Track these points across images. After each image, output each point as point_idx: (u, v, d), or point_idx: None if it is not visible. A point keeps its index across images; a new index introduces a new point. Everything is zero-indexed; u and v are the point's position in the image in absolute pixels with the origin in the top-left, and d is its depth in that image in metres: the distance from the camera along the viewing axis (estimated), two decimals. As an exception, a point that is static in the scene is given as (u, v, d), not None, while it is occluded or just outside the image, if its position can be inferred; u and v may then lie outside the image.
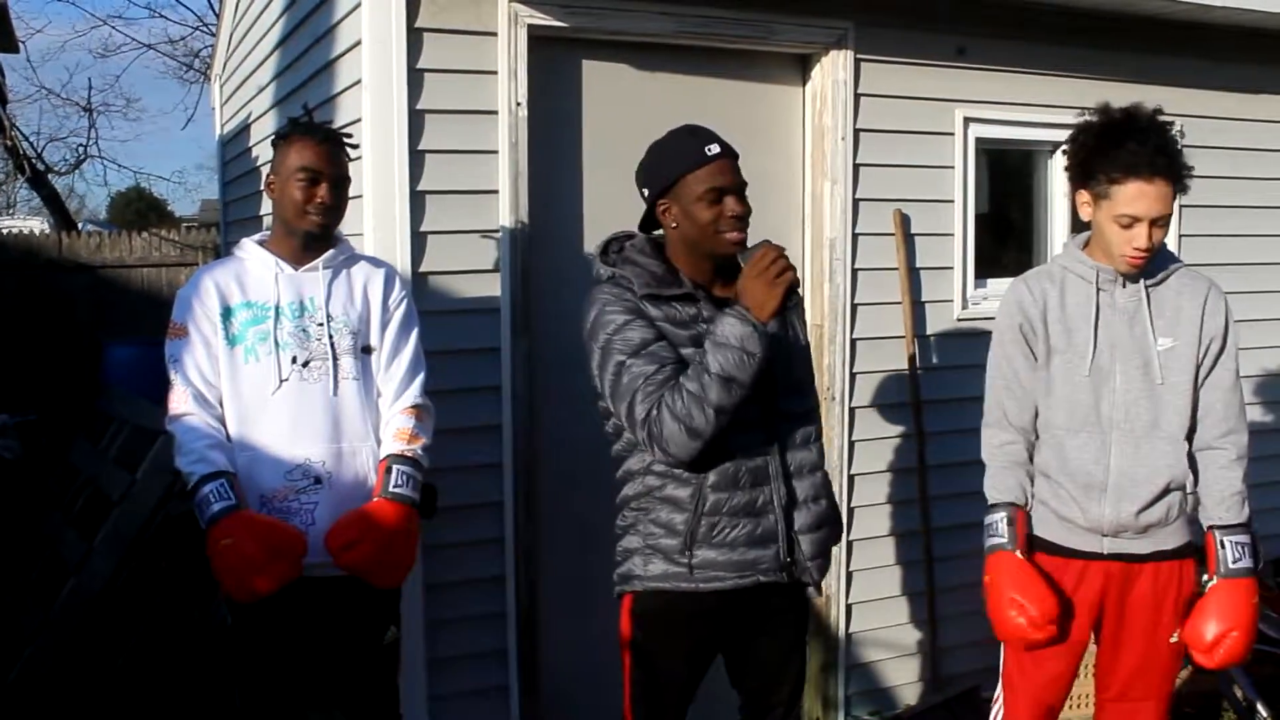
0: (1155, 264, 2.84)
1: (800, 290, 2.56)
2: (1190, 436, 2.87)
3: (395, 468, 2.87)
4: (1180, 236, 4.77)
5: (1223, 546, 2.80)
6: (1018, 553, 2.84)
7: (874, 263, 4.17)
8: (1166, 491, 2.82)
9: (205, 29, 18.06)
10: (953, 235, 4.32)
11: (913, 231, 4.25)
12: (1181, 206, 4.77)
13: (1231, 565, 2.78)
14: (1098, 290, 2.85)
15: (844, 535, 2.98)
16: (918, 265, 4.26)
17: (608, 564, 3.33)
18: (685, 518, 2.66)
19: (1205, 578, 2.84)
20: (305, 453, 2.83)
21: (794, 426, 2.74)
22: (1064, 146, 2.91)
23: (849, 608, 4.24)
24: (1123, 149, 2.70)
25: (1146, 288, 2.84)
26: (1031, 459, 2.97)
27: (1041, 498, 2.94)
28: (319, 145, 2.86)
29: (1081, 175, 2.81)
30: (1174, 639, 2.87)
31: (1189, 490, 2.85)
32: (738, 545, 2.66)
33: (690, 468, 2.62)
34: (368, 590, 2.90)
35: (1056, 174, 4.55)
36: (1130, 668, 2.93)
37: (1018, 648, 2.94)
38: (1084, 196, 2.82)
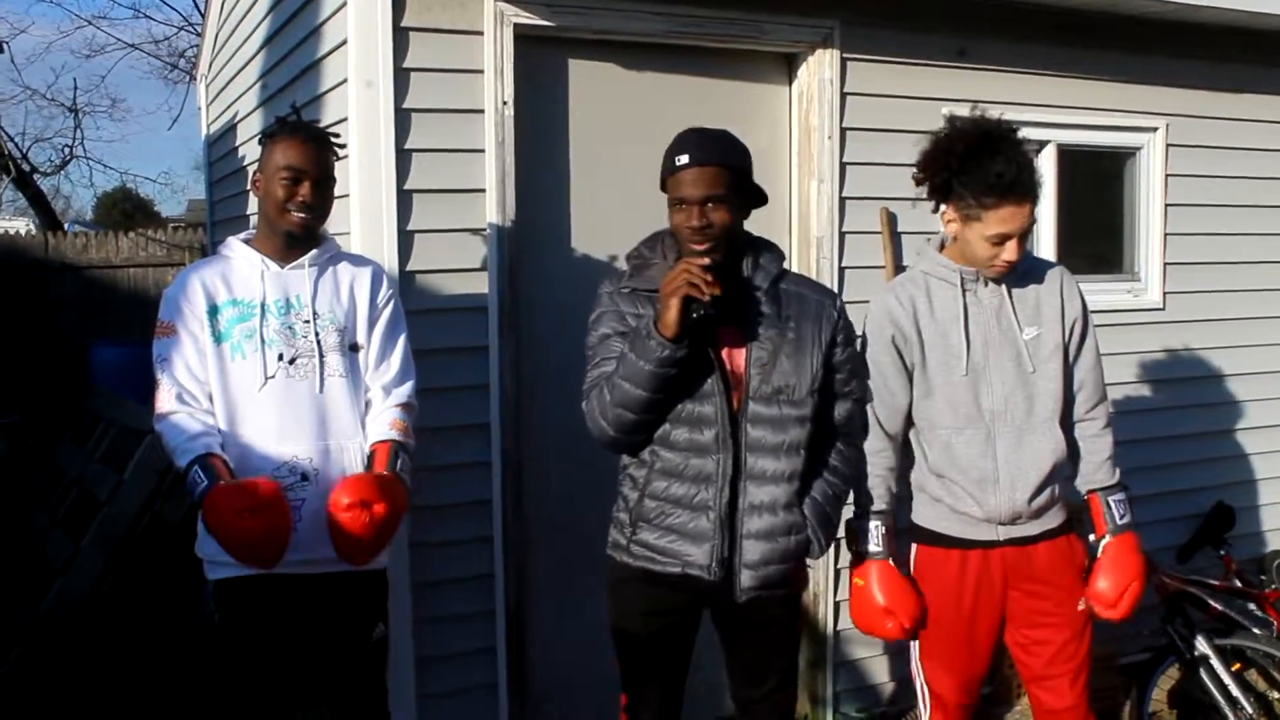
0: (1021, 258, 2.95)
1: (707, 305, 2.52)
2: (1065, 416, 3.01)
3: (400, 454, 2.89)
4: (1166, 235, 4.80)
5: (1108, 507, 3.01)
6: (889, 562, 3.00)
7: (861, 261, 4.19)
8: (1053, 474, 2.97)
9: (190, 29, 18.03)
10: (939, 234, 4.32)
11: (900, 230, 4.26)
12: (1167, 206, 4.81)
13: (1119, 522, 3.00)
14: (963, 291, 2.96)
15: (821, 550, 2.88)
16: (905, 264, 4.26)
17: (596, 562, 3.32)
18: (635, 496, 2.80)
19: (1093, 538, 3.03)
20: (292, 450, 2.83)
21: (765, 432, 2.73)
22: (917, 162, 3.02)
23: (837, 605, 4.25)
24: (989, 172, 2.81)
25: (1006, 283, 2.96)
26: (898, 466, 3.07)
27: (936, 496, 3.03)
28: (304, 144, 2.86)
29: (945, 193, 2.93)
30: (1081, 606, 3.00)
31: (1066, 470, 3.02)
32: (670, 532, 2.76)
33: (629, 453, 2.81)
34: (355, 587, 2.90)
35: (1042, 171, 4.56)
36: (1046, 646, 3.04)
37: (931, 639, 3.08)
38: (950, 214, 2.94)
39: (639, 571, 2.81)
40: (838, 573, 4.22)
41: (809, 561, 2.93)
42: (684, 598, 2.82)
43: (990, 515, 2.95)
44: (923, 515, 3.06)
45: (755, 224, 2.82)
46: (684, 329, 2.55)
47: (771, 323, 2.75)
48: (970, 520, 2.98)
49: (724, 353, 2.73)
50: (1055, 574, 3.00)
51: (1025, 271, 2.98)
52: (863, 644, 4.32)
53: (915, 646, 3.15)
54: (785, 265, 2.87)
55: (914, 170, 3.01)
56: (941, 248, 3.04)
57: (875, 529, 2.98)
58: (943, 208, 2.97)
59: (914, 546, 3.10)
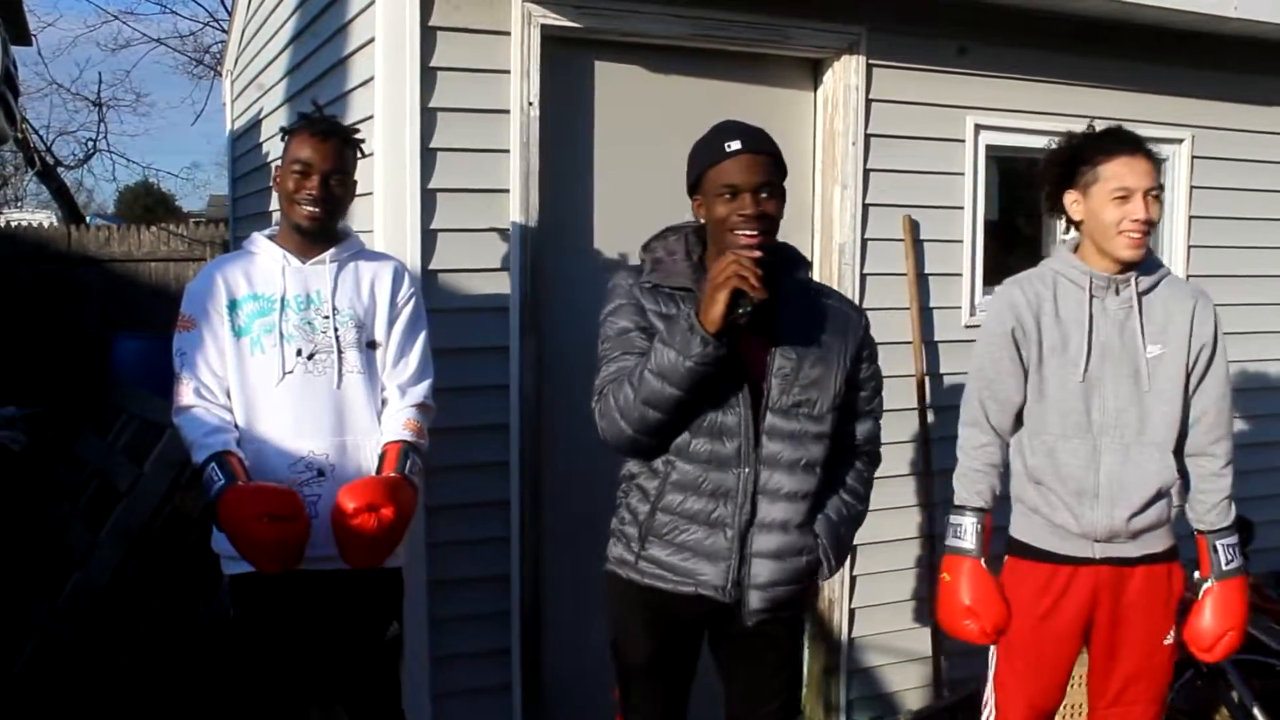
0: (1146, 270, 2.88)
1: (752, 301, 2.38)
2: (1179, 443, 2.90)
3: (410, 455, 2.87)
4: (1190, 248, 4.78)
5: (1215, 550, 2.91)
6: (981, 561, 2.91)
7: (883, 268, 4.18)
8: (1157, 497, 2.87)
9: (215, 24, 18.12)
10: (962, 242, 4.32)
11: (922, 237, 4.25)
12: (1192, 218, 4.79)
13: (1225, 568, 2.90)
14: (1090, 296, 2.87)
15: (831, 572, 2.73)
16: (927, 271, 4.26)
17: (612, 564, 3.32)
18: (646, 509, 2.66)
19: (1198, 576, 2.94)
20: (309, 445, 2.84)
21: (782, 447, 2.60)
22: (1041, 170, 2.99)
23: (852, 612, 4.24)
24: (1104, 138, 2.84)
25: (1139, 294, 2.86)
26: (1004, 463, 3.00)
27: (1032, 505, 2.94)
28: (313, 139, 2.88)
29: (1066, 179, 2.89)
30: (1168, 640, 2.92)
31: (1175, 496, 2.91)
32: (684, 549, 2.62)
33: (643, 457, 2.65)
34: (370, 585, 2.91)
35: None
36: (1127, 672, 2.95)
37: (1010, 655, 2.99)
38: (1072, 195, 2.88)
39: (646, 590, 2.67)
40: (853, 580, 4.22)
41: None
42: (691, 617, 2.69)
43: (1086, 531, 2.87)
44: (1017, 527, 2.98)
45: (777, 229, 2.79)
46: (725, 327, 2.41)
47: (798, 332, 2.61)
48: (1065, 534, 2.89)
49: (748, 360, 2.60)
50: (1147, 601, 2.90)
51: (1160, 287, 2.89)
52: (877, 652, 4.32)
53: (993, 657, 3.07)
54: (812, 275, 2.74)
55: (1040, 191, 2.99)
56: (1075, 249, 2.94)
57: (972, 525, 2.91)
58: (1068, 194, 2.90)
59: (1005, 558, 3.02)
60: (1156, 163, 2.82)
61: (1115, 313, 2.86)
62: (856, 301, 4.10)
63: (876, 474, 3.95)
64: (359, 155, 3.00)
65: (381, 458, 2.88)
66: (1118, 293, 2.86)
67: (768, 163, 2.54)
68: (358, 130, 3.04)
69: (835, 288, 4.08)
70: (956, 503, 2.96)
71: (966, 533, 2.91)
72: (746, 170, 2.51)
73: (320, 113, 3.00)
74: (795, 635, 2.82)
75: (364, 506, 2.69)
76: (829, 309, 2.71)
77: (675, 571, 2.63)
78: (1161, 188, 2.83)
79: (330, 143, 2.89)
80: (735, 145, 2.52)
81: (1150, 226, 2.80)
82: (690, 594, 2.63)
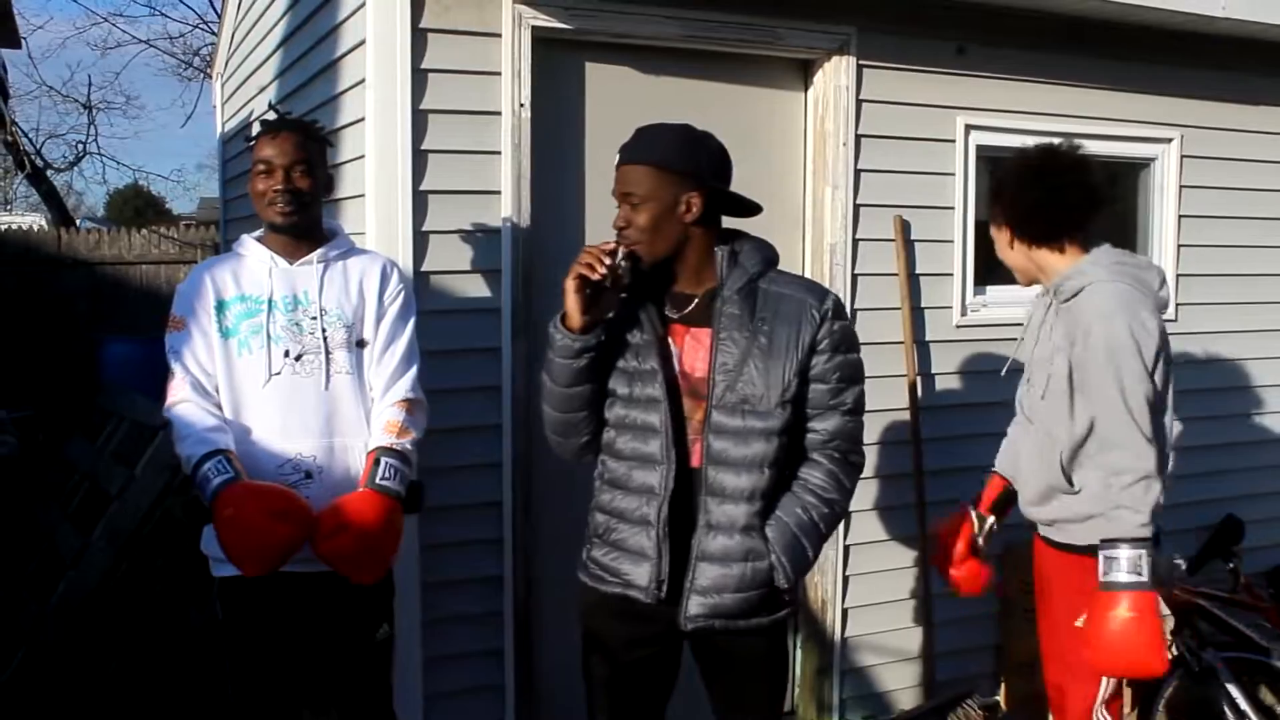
0: (1070, 281, 2.98)
1: (598, 283, 2.48)
2: (1077, 447, 2.99)
3: (383, 460, 2.82)
4: (1179, 246, 4.79)
5: (1098, 558, 2.84)
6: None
7: (874, 268, 4.18)
8: (1050, 493, 3.05)
9: (205, 26, 18.09)
10: (953, 242, 4.33)
11: (913, 238, 4.25)
12: (1181, 217, 4.80)
13: (1102, 578, 2.81)
14: (1047, 305, 3.10)
15: (787, 579, 2.55)
16: (918, 271, 4.27)
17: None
18: (592, 509, 2.72)
19: None
20: (296, 447, 2.83)
21: (727, 445, 2.51)
22: None
23: (845, 612, 4.24)
24: None
25: (1058, 304, 3.02)
26: None
27: None
28: (270, 137, 2.88)
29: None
30: (1079, 623, 2.89)
31: (1075, 495, 3.01)
32: (615, 549, 2.62)
33: (567, 458, 2.78)
34: (358, 587, 2.89)
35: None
36: (1045, 649, 3.18)
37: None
38: None
39: (592, 591, 2.67)
40: (846, 580, 4.22)
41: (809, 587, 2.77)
42: (646, 622, 2.61)
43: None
44: None
45: (767, 230, 2.79)
46: (592, 318, 2.51)
47: (741, 325, 2.52)
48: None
49: (684, 358, 2.57)
50: (1060, 583, 3.07)
51: (1079, 296, 2.93)
52: (870, 651, 4.32)
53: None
54: (774, 263, 2.66)
55: None
56: None
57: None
58: None
59: None
60: (996, 221, 3.15)
61: (1049, 315, 3.08)
62: (847, 302, 4.11)
63: (867, 474, 3.95)
64: (326, 147, 3.00)
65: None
66: (1050, 304, 3.07)
67: (635, 173, 2.54)
68: (317, 122, 3.03)
69: (827, 287, 4.08)
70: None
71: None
72: (617, 182, 2.59)
73: (278, 113, 3.01)
74: (775, 645, 2.70)
75: (319, 536, 2.71)
76: (782, 298, 2.57)
77: (608, 571, 2.64)
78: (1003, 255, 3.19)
79: (285, 136, 2.88)
80: (617, 157, 2.59)
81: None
82: (619, 594, 2.60)
